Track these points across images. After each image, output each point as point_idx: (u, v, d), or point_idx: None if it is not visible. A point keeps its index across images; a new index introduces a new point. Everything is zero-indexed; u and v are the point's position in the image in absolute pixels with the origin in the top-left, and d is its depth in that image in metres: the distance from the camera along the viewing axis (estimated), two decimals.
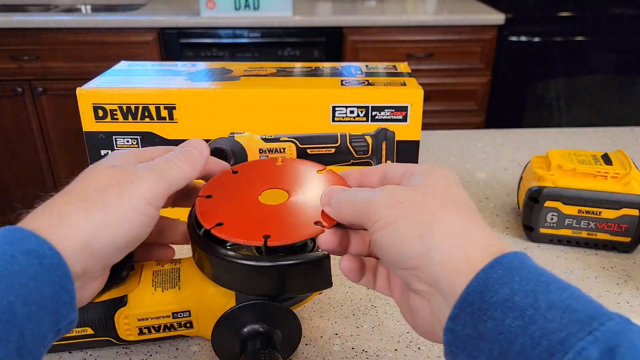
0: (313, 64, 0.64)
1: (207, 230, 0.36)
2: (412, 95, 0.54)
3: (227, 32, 1.84)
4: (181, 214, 0.59)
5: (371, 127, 0.55)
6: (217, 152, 0.56)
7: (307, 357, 0.44)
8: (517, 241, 0.61)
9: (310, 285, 0.37)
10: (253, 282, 0.36)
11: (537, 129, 0.94)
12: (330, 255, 0.36)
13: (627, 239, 0.56)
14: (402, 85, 0.56)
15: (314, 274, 0.36)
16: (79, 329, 0.41)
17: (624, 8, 2.01)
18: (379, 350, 0.45)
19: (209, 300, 0.41)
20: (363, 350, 0.45)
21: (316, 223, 0.36)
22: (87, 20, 1.79)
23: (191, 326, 0.42)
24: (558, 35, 1.94)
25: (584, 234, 0.58)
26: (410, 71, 0.61)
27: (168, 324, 0.42)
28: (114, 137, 0.55)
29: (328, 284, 0.36)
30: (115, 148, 0.56)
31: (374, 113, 0.55)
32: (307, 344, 0.45)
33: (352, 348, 0.45)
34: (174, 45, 1.84)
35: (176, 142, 0.56)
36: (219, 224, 0.36)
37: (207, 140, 0.56)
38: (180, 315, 0.41)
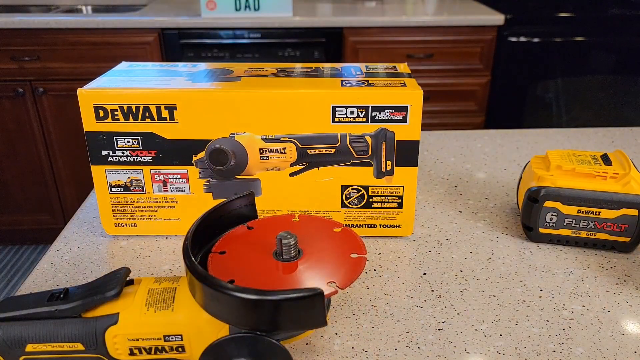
0: (313, 65, 0.64)
1: (202, 258, 0.36)
2: (411, 96, 0.54)
3: (227, 33, 1.84)
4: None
5: (371, 128, 0.55)
6: (218, 152, 0.56)
7: (307, 357, 0.44)
8: (516, 241, 0.61)
9: (302, 322, 0.35)
10: (242, 314, 0.35)
11: (536, 129, 0.95)
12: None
13: (627, 239, 0.57)
14: (402, 85, 0.56)
15: (306, 310, 0.34)
16: (70, 344, 0.39)
17: (624, 9, 2.01)
18: (379, 349, 0.45)
19: (202, 326, 0.39)
20: (363, 349, 0.45)
21: (329, 283, 0.35)
22: (88, 21, 1.79)
23: (183, 350, 0.40)
24: (558, 35, 1.94)
25: (583, 234, 0.58)
26: (410, 72, 0.61)
27: (159, 347, 0.40)
28: (114, 137, 0.56)
29: (322, 322, 0.35)
30: (116, 148, 0.56)
31: (373, 113, 0.55)
32: (307, 344, 0.46)
33: (352, 348, 0.45)
34: (174, 45, 1.84)
35: (177, 143, 0.56)
36: (231, 282, 0.35)
37: (207, 141, 0.56)
38: (172, 338, 0.39)
